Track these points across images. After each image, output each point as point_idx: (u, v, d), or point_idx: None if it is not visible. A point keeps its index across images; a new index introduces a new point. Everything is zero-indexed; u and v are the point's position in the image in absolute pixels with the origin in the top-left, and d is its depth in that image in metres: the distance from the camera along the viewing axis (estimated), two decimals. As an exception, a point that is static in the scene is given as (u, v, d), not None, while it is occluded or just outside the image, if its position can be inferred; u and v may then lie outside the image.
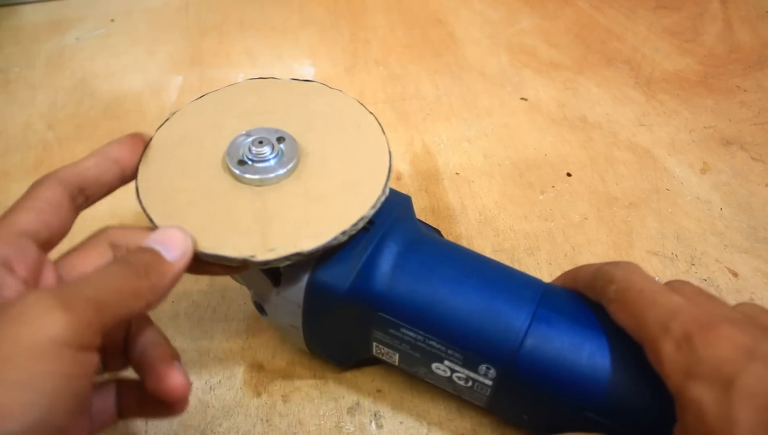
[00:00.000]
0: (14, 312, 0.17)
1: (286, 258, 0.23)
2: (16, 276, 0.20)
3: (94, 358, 0.18)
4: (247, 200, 0.25)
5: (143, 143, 0.26)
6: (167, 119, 0.29)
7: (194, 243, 0.23)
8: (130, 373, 0.24)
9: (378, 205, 0.25)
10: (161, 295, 0.21)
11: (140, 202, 0.25)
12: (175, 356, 0.23)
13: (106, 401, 0.24)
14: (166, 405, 0.23)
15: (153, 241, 0.22)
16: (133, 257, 0.21)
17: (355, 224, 0.24)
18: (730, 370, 0.18)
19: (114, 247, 0.23)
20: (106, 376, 0.25)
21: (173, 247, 0.22)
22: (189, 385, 0.22)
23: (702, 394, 0.19)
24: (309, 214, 0.25)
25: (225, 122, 0.28)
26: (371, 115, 0.29)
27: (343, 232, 0.24)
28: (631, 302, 0.22)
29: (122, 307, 0.19)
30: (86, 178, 0.23)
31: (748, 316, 0.22)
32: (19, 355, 0.16)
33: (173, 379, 0.22)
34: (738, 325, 0.20)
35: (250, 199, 0.25)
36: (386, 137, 0.28)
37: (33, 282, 0.20)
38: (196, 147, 0.27)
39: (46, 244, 0.22)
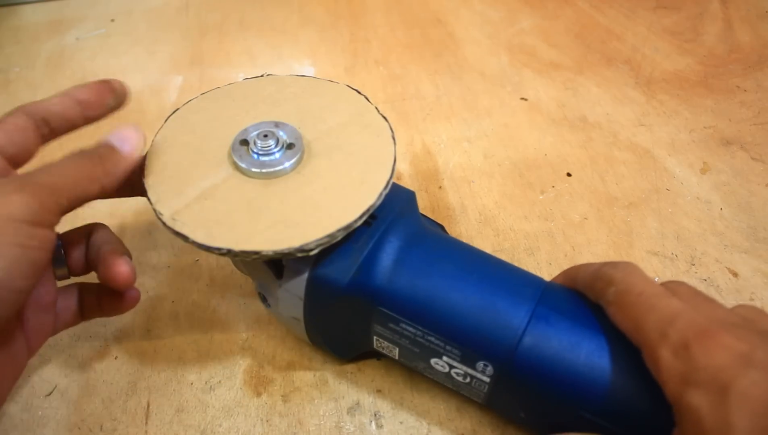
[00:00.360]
0: None
1: (333, 235, 0.24)
2: None
3: (50, 234, 0.22)
4: (260, 193, 0.25)
5: (109, 90, 0.29)
6: (166, 120, 0.29)
7: (144, 140, 0.26)
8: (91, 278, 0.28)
9: (381, 199, 0.26)
10: (115, 180, 0.25)
11: (155, 210, 0.25)
12: (124, 252, 0.27)
13: (70, 302, 0.28)
14: (119, 298, 0.28)
15: (110, 136, 0.26)
16: (91, 149, 0.25)
17: (357, 219, 0.25)
18: (727, 376, 0.19)
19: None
20: (71, 280, 0.28)
21: (127, 141, 0.26)
22: (133, 272, 0.26)
23: (699, 401, 0.19)
24: (330, 198, 0.25)
25: (225, 120, 0.29)
26: (377, 112, 0.30)
27: (370, 208, 0.25)
28: (629, 306, 0.23)
29: (78, 189, 0.23)
30: (50, 111, 0.26)
31: (746, 319, 0.22)
32: None
33: (119, 266, 0.26)
34: (735, 332, 0.20)
35: (264, 192, 0.25)
36: (392, 130, 0.29)
37: None
38: (200, 146, 0.28)
39: (12, 159, 0.25)
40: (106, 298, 0.28)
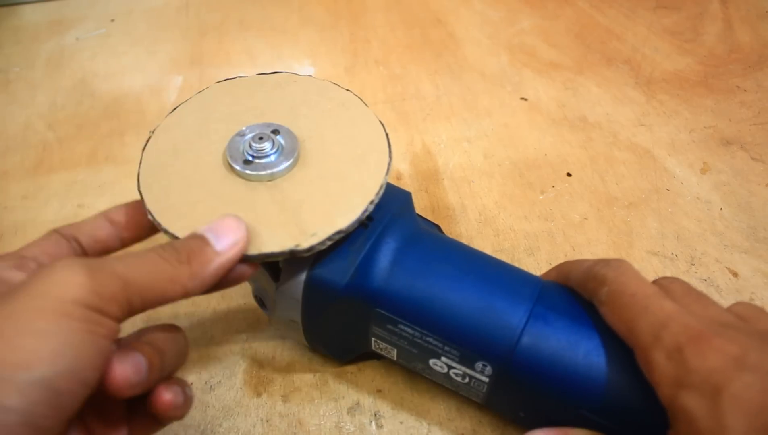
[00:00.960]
0: (45, 272, 0.19)
1: (329, 238, 0.24)
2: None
3: (115, 326, 0.19)
4: (266, 196, 0.25)
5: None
6: (149, 138, 0.28)
7: (248, 234, 0.23)
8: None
9: (377, 201, 0.26)
10: (202, 283, 0.21)
11: (155, 220, 0.25)
12: (176, 378, 0.23)
13: (119, 423, 0.23)
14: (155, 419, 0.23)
15: (206, 228, 0.23)
16: (179, 243, 0.22)
17: (353, 221, 0.25)
18: (720, 379, 0.19)
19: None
20: None
21: (224, 235, 0.22)
22: (184, 400, 0.22)
23: (693, 403, 0.19)
24: (331, 194, 0.25)
25: (211, 128, 0.28)
26: (349, 92, 0.30)
27: (372, 202, 0.25)
28: (622, 307, 0.22)
29: (153, 289, 0.20)
30: (80, 231, 0.25)
31: (741, 318, 0.22)
32: (46, 309, 0.18)
33: (163, 395, 0.21)
34: (727, 334, 0.20)
35: (269, 195, 0.25)
36: (370, 108, 0.29)
37: None
38: (192, 157, 0.27)
39: None
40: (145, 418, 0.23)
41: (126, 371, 0.19)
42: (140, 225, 0.26)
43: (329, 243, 0.24)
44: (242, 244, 0.23)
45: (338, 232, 0.24)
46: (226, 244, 0.22)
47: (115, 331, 0.19)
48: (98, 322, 0.18)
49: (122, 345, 0.21)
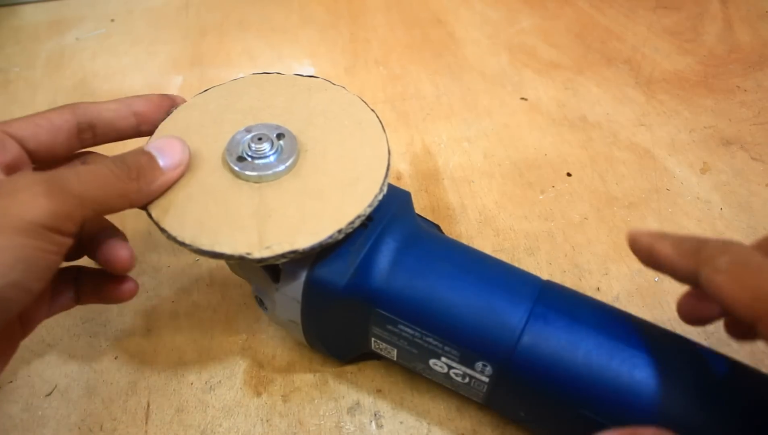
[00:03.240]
0: (6, 190, 0.20)
1: (282, 256, 0.23)
2: None
3: (68, 241, 0.21)
4: (245, 197, 0.25)
5: (170, 104, 0.28)
6: (170, 112, 0.29)
7: (190, 158, 0.24)
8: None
9: (375, 204, 0.25)
10: (147, 199, 0.24)
11: (160, 227, 0.25)
12: (123, 237, 0.26)
13: (66, 286, 0.27)
14: (116, 285, 0.26)
15: (152, 146, 0.24)
16: (129, 157, 0.23)
17: (352, 222, 0.24)
18: None
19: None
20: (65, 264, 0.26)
21: (170, 155, 0.24)
22: (133, 257, 0.25)
23: None
24: (306, 211, 0.25)
25: (226, 117, 0.28)
26: (372, 113, 0.29)
27: (340, 231, 0.24)
28: (748, 276, 0.21)
29: (105, 204, 0.22)
30: (101, 117, 0.25)
31: None
32: (4, 226, 0.19)
33: (119, 250, 0.24)
34: None
35: (248, 196, 0.25)
36: (386, 135, 0.28)
37: (10, 173, 0.23)
38: (197, 142, 0.27)
39: (32, 153, 0.24)
40: (104, 284, 0.27)
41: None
42: (156, 121, 0.27)
43: (283, 260, 0.24)
44: (184, 166, 0.24)
45: (293, 252, 0.23)
46: (170, 163, 0.24)
47: (67, 245, 0.21)
48: (52, 241, 0.20)
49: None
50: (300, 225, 0.24)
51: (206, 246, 0.23)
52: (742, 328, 0.23)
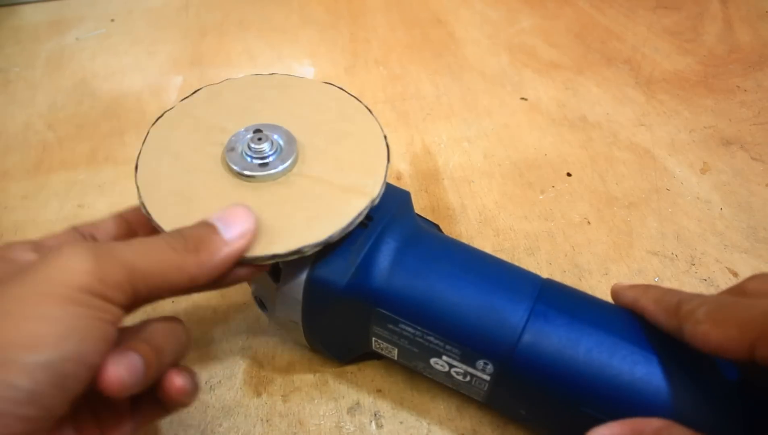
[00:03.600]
0: (52, 256, 0.19)
1: (287, 254, 0.23)
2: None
3: (119, 312, 0.19)
4: (244, 196, 0.25)
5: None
6: (160, 116, 0.28)
7: (257, 226, 0.22)
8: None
9: (377, 201, 0.25)
10: (210, 273, 0.21)
11: (143, 205, 0.25)
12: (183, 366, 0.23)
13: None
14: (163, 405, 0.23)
15: (215, 216, 0.22)
16: (187, 230, 0.21)
17: (353, 221, 0.24)
18: None
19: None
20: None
21: (233, 225, 0.22)
22: (193, 388, 0.22)
23: None
24: (308, 211, 0.25)
25: (222, 118, 0.28)
26: (371, 113, 0.29)
27: (341, 229, 0.24)
28: (727, 314, 0.21)
29: (159, 276, 0.20)
30: (98, 229, 0.25)
31: None
32: (52, 294, 0.18)
33: (175, 380, 0.21)
34: None
35: (251, 197, 0.25)
36: (385, 135, 0.28)
37: None
38: (194, 144, 0.27)
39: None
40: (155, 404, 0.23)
41: (120, 373, 0.19)
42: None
43: (287, 259, 0.23)
44: (251, 234, 0.22)
45: (294, 252, 0.23)
46: (235, 233, 0.22)
47: (119, 317, 0.19)
48: (102, 308, 0.19)
49: (124, 335, 0.21)
50: (303, 225, 0.24)
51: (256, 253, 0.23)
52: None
